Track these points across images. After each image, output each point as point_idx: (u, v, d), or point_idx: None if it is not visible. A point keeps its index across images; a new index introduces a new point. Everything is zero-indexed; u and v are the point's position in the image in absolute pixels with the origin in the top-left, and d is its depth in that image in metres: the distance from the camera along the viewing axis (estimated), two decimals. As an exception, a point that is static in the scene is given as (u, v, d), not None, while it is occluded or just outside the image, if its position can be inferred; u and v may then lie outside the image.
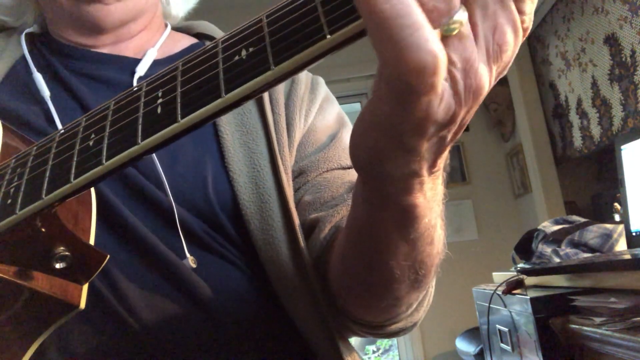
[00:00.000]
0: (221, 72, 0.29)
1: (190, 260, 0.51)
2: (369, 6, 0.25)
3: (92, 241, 0.42)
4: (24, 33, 0.62)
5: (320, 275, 0.54)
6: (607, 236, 1.59)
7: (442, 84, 0.27)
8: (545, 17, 2.59)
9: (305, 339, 0.53)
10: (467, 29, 0.27)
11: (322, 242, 0.54)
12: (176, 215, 0.51)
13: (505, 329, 1.65)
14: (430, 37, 0.25)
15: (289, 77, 0.28)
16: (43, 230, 0.38)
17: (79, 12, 0.58)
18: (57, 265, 0.39)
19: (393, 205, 0.36)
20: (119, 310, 0.48)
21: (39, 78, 0.57)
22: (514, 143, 3.02)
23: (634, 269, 1.10)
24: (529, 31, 0.29)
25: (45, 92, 0.56)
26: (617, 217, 1.83)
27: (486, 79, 0.28)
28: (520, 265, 1.74)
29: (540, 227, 1.82)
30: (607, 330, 1.09)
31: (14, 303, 0.39)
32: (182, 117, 0.29)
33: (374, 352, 4.03)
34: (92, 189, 0.44)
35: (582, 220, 1.78)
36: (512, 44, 0.28)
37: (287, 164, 0.58)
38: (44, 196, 0.34)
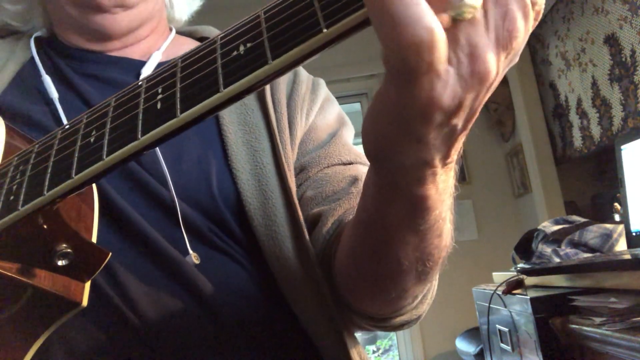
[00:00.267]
0: (220, 67, 0.29)
1: (193, 257, 0.51)
2: None
3: (94, 238, 0.42)
4: (33, 37, 0.64)
5: (325, 269, 0.55)
6: (607, 236, 1.59)
7: (443, 65, 0.27)
8: (545, 17, 2.59)
9: (309, 334, 0.53)
10: (479, 14, 0.27)
11: (325, 236, 0.55)
12: (178, 211, 0.52)
13: (505, 329, 1.66)
14: (426, 13, 0.25)
15: (287, 72, 0.28)
16: (45, 227, 0.38)
17: (87, 21, 0.59)
18: (60, 263, 0.39)
19: (404, 196, 0.36)
20: (122, 307, 0.48)
21: (47, 80, 0.57)
22: (514, 143, 3.02)
23: (634, 269, 1.10)
24: (540, 16, 0.29)
25: (54, 94, 0.57)
26: (617, 217, 1.83)
27: (493, 65, 0.28)
28: (520, 265, 1.74)
29: (540, 227, 1.82)
30: (607, 330, 1.09)
31: (17, 300, 0.40)
32: (182, 112, 0.29)
33: (374, 352, 4.02)
34: (95, 187, 0.45)
35: (582, 220, 1.78)
36: (523, 30, 0.28)
37: (289, 161, 0.58)
38: (45, 192, 0.34)
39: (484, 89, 0.29)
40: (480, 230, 3.07)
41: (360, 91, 3.27)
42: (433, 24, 0.25)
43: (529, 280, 1.60)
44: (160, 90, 0.31)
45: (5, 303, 0.39)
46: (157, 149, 0.54)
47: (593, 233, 1.62)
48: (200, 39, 0.71)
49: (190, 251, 0.51)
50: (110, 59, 0.62)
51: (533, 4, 0.28)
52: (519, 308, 1.50)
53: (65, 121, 0.55)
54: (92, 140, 0.33)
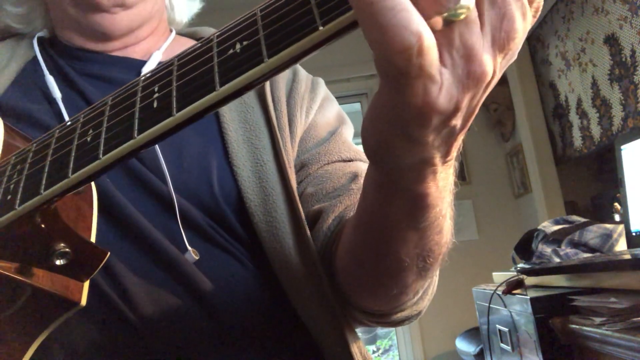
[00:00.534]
0: (216, 65, 0.29)
1: (192, 253, 0.51)
2: None
3: (93, 237, 0.42)
4: (35, 37, 0.64)
5: (326, 266, 0.55)
6: (607, 236, 1.59)
7: (436, 69, 0.26)
8: (545, 17, 2.59)
9: (310, 330, 0.53)
10: (473, 14, 0.27)
11: (325, 233, 0.55)
12: (176, 207, 0.52)
13: (505, 329, 1.65)
14: (413, 18, 0.25)
15: (283, 69, 0.28)
16: (43, 226, 0.38)
17: (87, 22, 0.60)
18: (58, 262, 0.39)
19: (405, 194, 0.36)
20: (121, 305, 0.48)
21: (51, 80, 0.58)
22: (514, 143, 3.02)
23: (634, 269, 1.10)
24: (539, 13, 0.29)
25: (57, 94, 0.57)
26: (617, 217, 1.83)
27: (490, 66, 0.28)
28: (520, 265, 1.74)
29: (540, 227, 1.82)
30: (607, 330, 1.09)
31: (15, 300, 0.40)
32: (178, 111, 0.29)
33: (374, 352, 4.02)
34: (94, 186, 0.45)
35: (582, 220, 1.78)
36: (521, 30, 0.28)
37: (289, 158, 0.59)
38: (42, 191, 0.34)
39: (480, 90, 0.29)
40: (480, 230, 3.07)
41: (360, 91, 3.27)
42: (421, 28, 0.25)
43: (529, 280, 1.60)
44: (156, 89, 0.31)
45: (4, 303, 0.39)
46: (158, 146, 0.54)
47: (593, 233, 1.62)
48: (201, 39, 0.71)
49: (189, 247, 0.51)
50: (111, 59, 0.62)
51: (531, 1, 0.28)
52: (519, 308, 1.50)
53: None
54: (88, 139, 0.33)
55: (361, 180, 0.58)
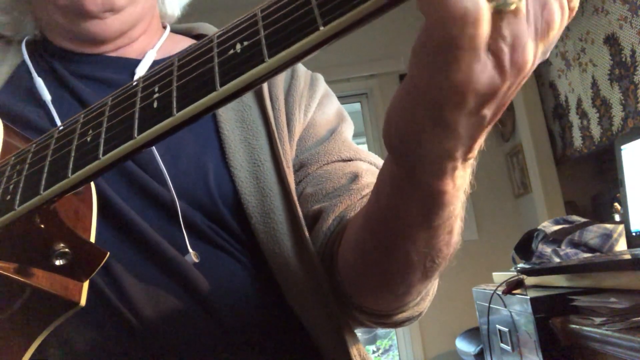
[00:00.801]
0: (216, 65, 0.29)
1: (193, 255, 0.51)
2: None
3: (92, 238, 0.42)
4: (24, 40, 0.63)
5: (326, 266, 0.55)
6: (607, 236, 1.59)
7: (483, 46, 0.27)
8: (545, 17, 2.59)
9: (310, 332, 0.53)
10: (522, 5, 0.27)
11: (325, 233, 0.55)
12: (179, 210, 0.52)
13: (505, 329, 1.65)
14: None
15: (284, 70, 0.28)
16: (42, 226, 0.38)
17: (78, 29, 0.59)
18: (57, 262, 0.39)
19: (422, 190, 0.36)
20: (120, 306, 0.48)
21: (39, 82, 0.57)
22: (514, 143, 3.02)
23: (634, 269, 1.10)
24: (575, 12, 0.30)
25: (47, 97, 0.56)
26: (617, 217, 1.83)
27: (531, 55, 0.28)
28: (520, 265, 1.74)
29: (540, 227, 1.82)
30: (607, 330, 1.09)
31: (14, 300, 0.40)
32: (178, 111, 0.29)
33: (374, 352, 4.02)
34: (93, 186, 0.45)
35: (582, 220, 1.78)
36: (559, 22, 0.29)
37: (287, 158, 0.58)
38: (42, 192, 0.34)
39: (519, 79, 0.29)
40: (480, 230, 3.07)
41: (360, 91, 3.27)
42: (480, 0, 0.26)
43: (529, 280, 1.60)
44: (156, 89, 0.31)
45: (3, 303, 0.39)
46: (154, 147, 0.54)
47: (593, 233, 1.62)
48: (197, 36, 0.70)
49: (190, 250, 0.51)
50: (104, 59, 0.62)
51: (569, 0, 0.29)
52: (519, 308, 1.50)
53: (59, 123, 0.55)
54: (88, 139, 0.33)
55: (361, 181, 0.57)
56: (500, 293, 1.63)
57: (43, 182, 0.34)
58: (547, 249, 1.68)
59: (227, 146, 0.56)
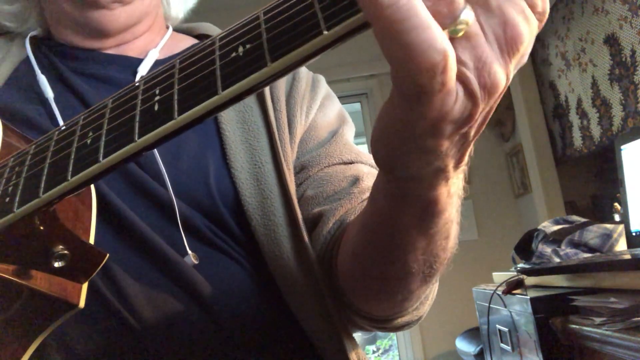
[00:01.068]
0: (218, 69, 0.29)
1: (192, 257, 0.51)
2: (375, 11, 0.24)
3: (92, 240, 0.42)
4: (28, 36, 0.63)
5: (325, 270, 0.55)
6: (607, 236, 1.59)
7: (454, 81, 0.26)
8: (545, 17, 2.58)
9: (309, 336, 0.53)
10: (475, 28, 0.26)
11: (326, 236, 0.55)
12: (176, 210, 0.52)
13: (505, 329, 1.65)
14: (438, 35, 0.25)
15: (286, 74, 0.27)
16: (41, 228, 0.38)
17: (84, 19, 0.59)
18: (56, 264, 0.39)
19: (416, 201, 0.36)
20: (119, 308, 0.48)
21: (42, 79, 0.57)
22: (514, 143, 3.02)
23: (634, 269, 1.10)
24: (546, 15, 0.28)
25: (49, 94, 0.56)
26: (617, 217, 1.83)
27: (502, 75, 0.28)
28: (520, 265, 1.74)
29: (540, 227, 1.82)
30: (607, 330, 1.09)
31: (13, 302, 0.39)
32: (179, 114, 0.29)
33: (374, 352, 4.02)
34: (93, 187, 0.44)
35: (582, 220, 1.78)
36: (527, 33, 0.27)
37: (288, 159, 0.58)
38: (41, 194, 0.34)
39: (494, 98, 0.29)
40: (480, 230, 3.07)
41: (360, 91, 3.27)
42: (446, 45, 0.25)
43: (529, 280, 1.60)
44: (157, 92, 0.31)
45: (2, 305, 0.39)
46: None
47: (593, 233, 1.62)
48: (198, 36, 0.70)
49: (189, 251, 0.51)
50: (107, 57, 0.61)
51: (534, 7, 0.27)
52: (519, 308, 1.50)
53: (60, 121, 0.54)
54: (88, 141, 0.33)
55: (362, 184, 0.57)
56: (500, 293, 1.63)
57: (42, 185, 0.34)
58: (547, 249, 1.67)
59: (228, 147, 0.56)
